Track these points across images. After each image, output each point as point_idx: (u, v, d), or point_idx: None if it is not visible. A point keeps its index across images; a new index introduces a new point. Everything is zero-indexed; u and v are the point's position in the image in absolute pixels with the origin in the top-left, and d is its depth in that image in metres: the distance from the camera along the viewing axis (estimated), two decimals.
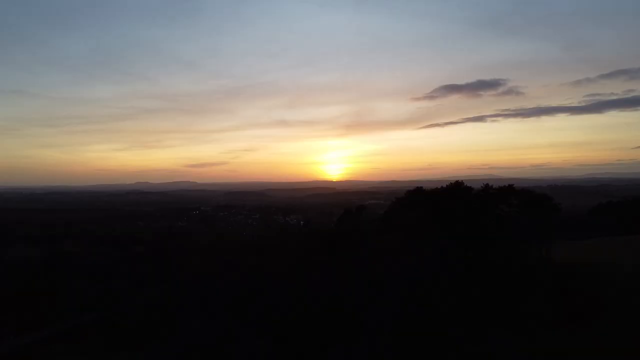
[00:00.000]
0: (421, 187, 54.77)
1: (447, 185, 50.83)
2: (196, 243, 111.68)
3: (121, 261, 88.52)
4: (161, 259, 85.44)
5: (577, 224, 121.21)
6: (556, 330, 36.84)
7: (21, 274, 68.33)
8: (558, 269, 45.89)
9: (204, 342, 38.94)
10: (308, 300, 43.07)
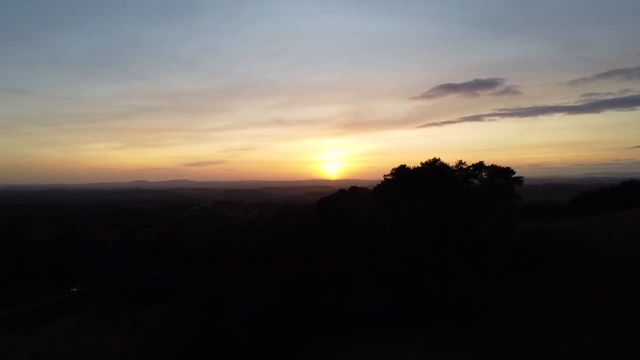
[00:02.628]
0: (404, 165, 62.01)
1: (426, 161, 58.22)
2: (197, 230, 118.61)
3: (130, 242, 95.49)
4: (166, 240, 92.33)
5: (558, 211, 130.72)
6: (510, 273, 44.67)
7: (47, 249, 75.29)
8: (522, 233, 53.76)
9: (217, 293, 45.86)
10: (306, 259, 50.35)
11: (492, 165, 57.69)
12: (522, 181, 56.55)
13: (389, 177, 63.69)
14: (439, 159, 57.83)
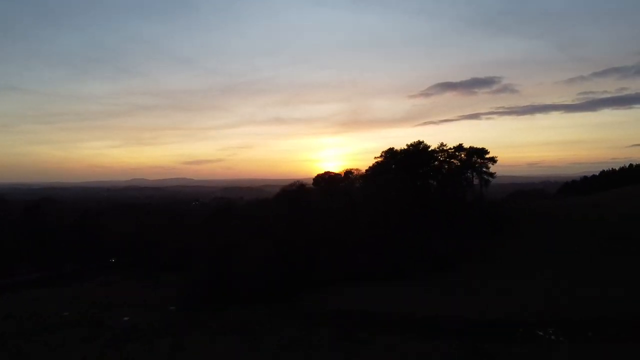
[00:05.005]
0: (393, 148, 68.96)
1: (411, 143, 65.24)
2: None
3: (141, 227, 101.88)
4: (173, 225, 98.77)
5: (540, 195, 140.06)
6: (476, 232, 52.08)
7: (68, 227, 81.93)
8: (490, 203, 61.50)
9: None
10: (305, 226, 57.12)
11: (470, 147, 64.90)
12: (496, 160, 63.74)
13: (379, 159, 70.66)
14: (423, 142, 64.89)
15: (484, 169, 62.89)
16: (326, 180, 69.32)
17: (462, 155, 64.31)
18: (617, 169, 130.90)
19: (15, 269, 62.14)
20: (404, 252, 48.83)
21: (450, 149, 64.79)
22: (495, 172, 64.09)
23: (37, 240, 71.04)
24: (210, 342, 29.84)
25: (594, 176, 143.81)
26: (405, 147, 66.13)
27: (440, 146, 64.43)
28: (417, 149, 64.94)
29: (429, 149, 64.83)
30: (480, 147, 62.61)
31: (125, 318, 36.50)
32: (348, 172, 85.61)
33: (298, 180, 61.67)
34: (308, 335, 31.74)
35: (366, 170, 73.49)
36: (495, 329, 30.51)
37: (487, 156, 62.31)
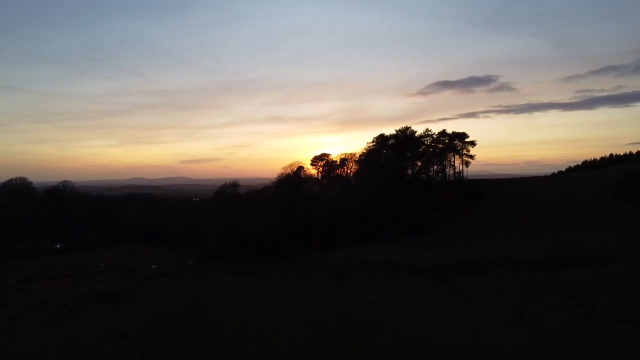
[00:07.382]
0: (383, 134, 76.02)
1: (399, 129, 72.34)
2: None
3: (150, 211, 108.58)
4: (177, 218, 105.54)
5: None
6: (454, 204, 59.26)
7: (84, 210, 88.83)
8: (468, 181, 69.02)
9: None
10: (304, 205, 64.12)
11: (453, 132, 72.15)
12: (475, 144, 70.97)
13: (371, 144, 77.67)
14: (410, 127, 72.04)
15: (464, 152, 70.23)
16: (323, 160, 76.31)
17: (446, 139, 71.55)
18: (597, 158, 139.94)
19: (42, 241, 68.97)
20: (390, 219, 55.92)
21: (434, 134, 72.14)
22: (475, 155, 71.42)
23: (59, 218, 77.91)
24: (230, 277, 36.74)
25: (576, 165, 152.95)
26: (395, 132, 73.38)
27: (426, 131, 71.78)
28: (405, 134, 72.07)
29: (416, 134, 72.08)
30: (462, 132, 70.04)
31: (154, 266, 43.35)
32: (344, 159, 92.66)
33: (298, 161, 68.50)
34: (308, 275, 38.72)
35: (360, 155, 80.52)
36: (459, 268, 37.56)
37: (467, 140, 69.71)
